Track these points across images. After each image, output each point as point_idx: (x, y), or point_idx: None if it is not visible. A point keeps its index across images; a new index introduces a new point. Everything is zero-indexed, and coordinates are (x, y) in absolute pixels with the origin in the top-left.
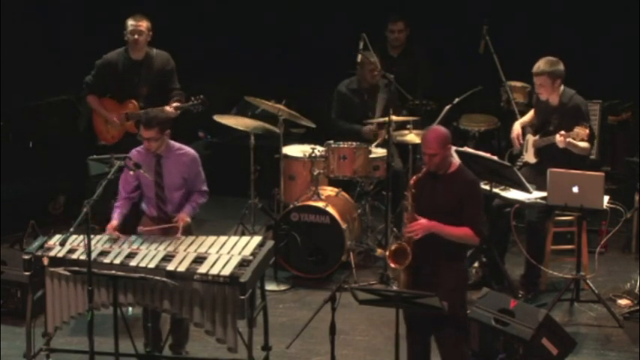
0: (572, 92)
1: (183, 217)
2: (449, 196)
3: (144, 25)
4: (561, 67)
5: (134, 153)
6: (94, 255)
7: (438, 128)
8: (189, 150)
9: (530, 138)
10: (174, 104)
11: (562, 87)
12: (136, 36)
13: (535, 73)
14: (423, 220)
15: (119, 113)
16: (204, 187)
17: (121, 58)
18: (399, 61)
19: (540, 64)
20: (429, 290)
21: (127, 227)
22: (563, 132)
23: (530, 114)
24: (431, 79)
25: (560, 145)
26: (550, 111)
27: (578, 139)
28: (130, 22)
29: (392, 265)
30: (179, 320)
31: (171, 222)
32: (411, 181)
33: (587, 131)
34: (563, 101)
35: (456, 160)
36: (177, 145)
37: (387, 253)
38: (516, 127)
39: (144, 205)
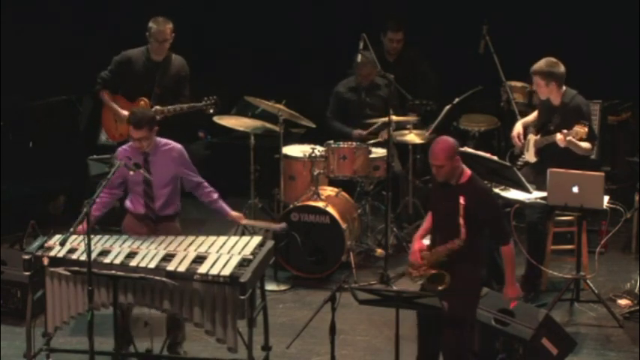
0: (574, 92)
1: (240, 217)
2: (462, 207)
3: (169, 30)
4: (558, 69)
5: (121, 151)
6: (94, 255)
7: (445, 139)
8: (175, 144)
9: (532, 137)
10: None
11: (564, 87)
12: (163, 43)
13: (531, 72)
14: (512, 292)
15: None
16: (200, 179)
17: (142, 57)
18: (395, 66)
19: (537, 64)
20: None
21: (109, 222)
22: (564, 130)
23: (534, 114)
24: (434, 79)
25: (561, 144)
26: (551, 111)
27: (577, 137)
28: (155, 29)
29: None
30: (177, 320)
31: (158, 219)
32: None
33: (586, 129)
34: (564, 101)
35: (467, 169)
36: (162, 140)
37: (426, 280)
38: (517, 126)
39: (128, 203)
